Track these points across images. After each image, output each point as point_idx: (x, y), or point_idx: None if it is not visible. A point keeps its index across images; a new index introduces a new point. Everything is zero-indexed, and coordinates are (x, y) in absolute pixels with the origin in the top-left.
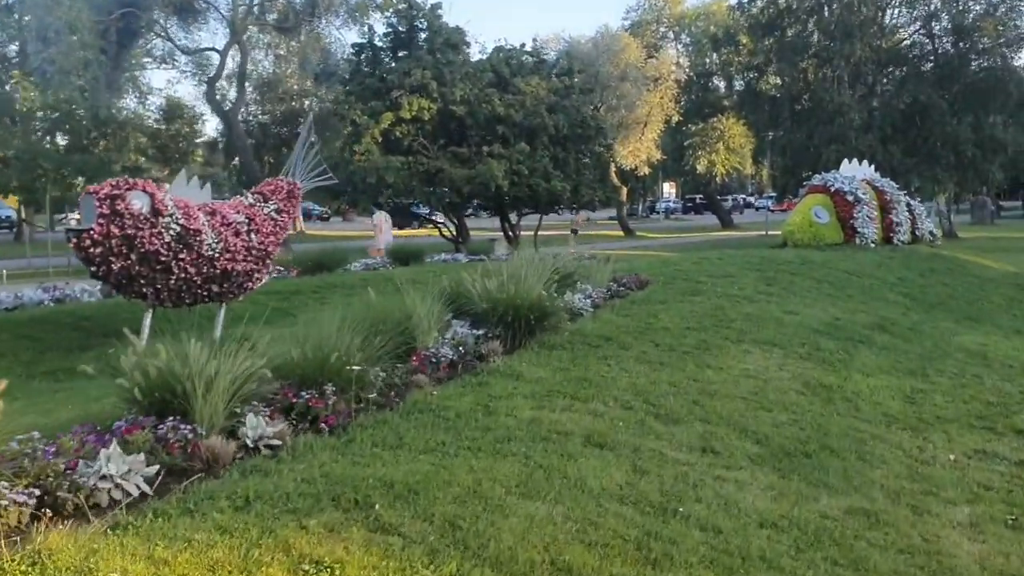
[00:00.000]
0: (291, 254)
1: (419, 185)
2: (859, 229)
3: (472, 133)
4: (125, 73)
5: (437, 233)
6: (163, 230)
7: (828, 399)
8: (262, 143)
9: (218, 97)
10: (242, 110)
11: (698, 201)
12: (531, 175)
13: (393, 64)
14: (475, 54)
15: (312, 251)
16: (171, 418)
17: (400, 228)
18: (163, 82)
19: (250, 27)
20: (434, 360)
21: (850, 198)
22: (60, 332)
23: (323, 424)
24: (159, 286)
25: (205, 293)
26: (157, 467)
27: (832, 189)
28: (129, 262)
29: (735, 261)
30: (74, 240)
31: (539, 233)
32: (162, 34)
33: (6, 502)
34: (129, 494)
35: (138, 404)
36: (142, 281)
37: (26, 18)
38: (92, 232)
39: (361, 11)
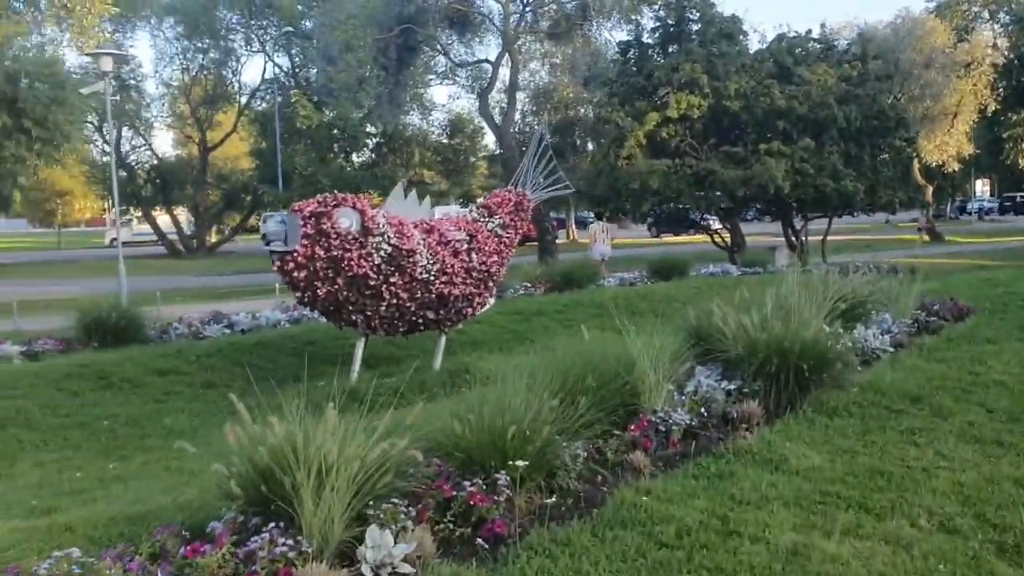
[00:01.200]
0: (541, 268)
1: (687, 189)
2: None
3: (748, 130)
4: (410, 90)
5: (710, 240)
6: (373, 251)
7: None
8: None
9: (497, 109)
10: (517, 121)
11: (1019, 200)
12: (817, 174)
13: (661, 60)
14: (754, 44)
15: (566, 263)
16: (273, 524)
17: (674, 235)
18: (445, 97)
19: (522, 36)
20: (662, 428)
21: None
22: (281, 359)
23: (485, 534)
24: (369, 313)
25: (420, 320)
26: None
27: None
28: (336, 287)
29: None
30: (277, 263)
31: (828, 239)
32: (439, 49)
33: None
34: None
35: (238, 501)
36: (350, 308)
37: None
38: (296, 254)
39: (631, 9)
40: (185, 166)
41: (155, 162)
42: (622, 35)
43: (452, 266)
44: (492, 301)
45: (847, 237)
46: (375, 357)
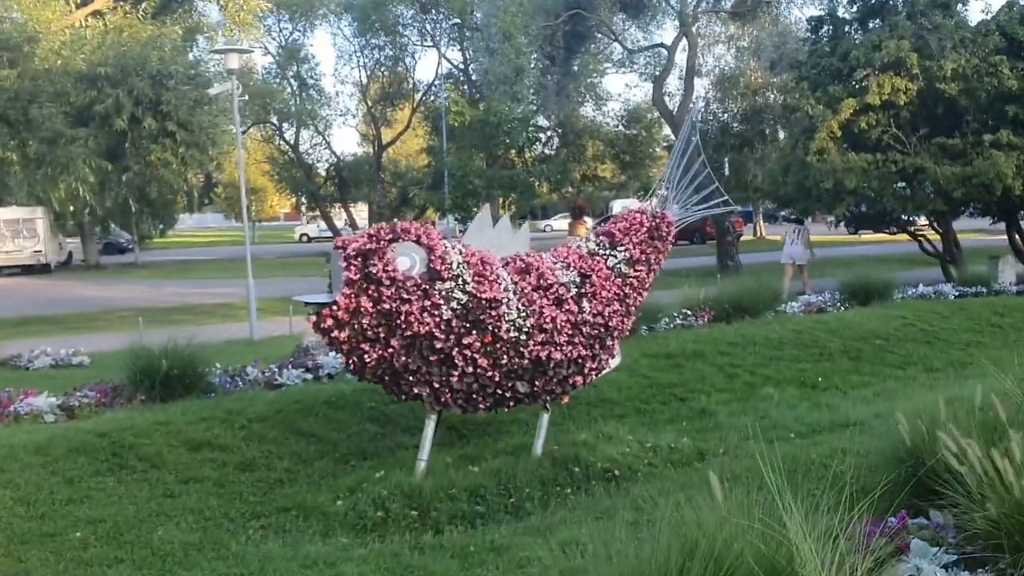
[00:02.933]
0: (702, 291)
1: (890, 189)
2: None
3: (968, 118)
4: (582, 79)
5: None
6: (441, 302)
7: None
8: (721, 143)
9: (678, 97)
10: (700, 109)
11: None
12: None
13: (859, 38)
14: (975, 15)
15: (739, 286)
16: None
17: (875, 231)
18: (621, 86)
19: (701, 17)
20: None
21: None
22: (352, 424)
23: None
24: (436, 385)
25: (507, 394)
26: None
27: None
28: (390, 351)
29: None
30: (312, 318)
31: None
32: (611, 35)
33: None
34: None
35: None
36: (410, 378)
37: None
38: (335, 307)
39: None
40: (362, 164)
41: (333, 160)
42: (814, 11)
43: (553, 320)
44: (616, 361)
45: None
46: (467, 423)
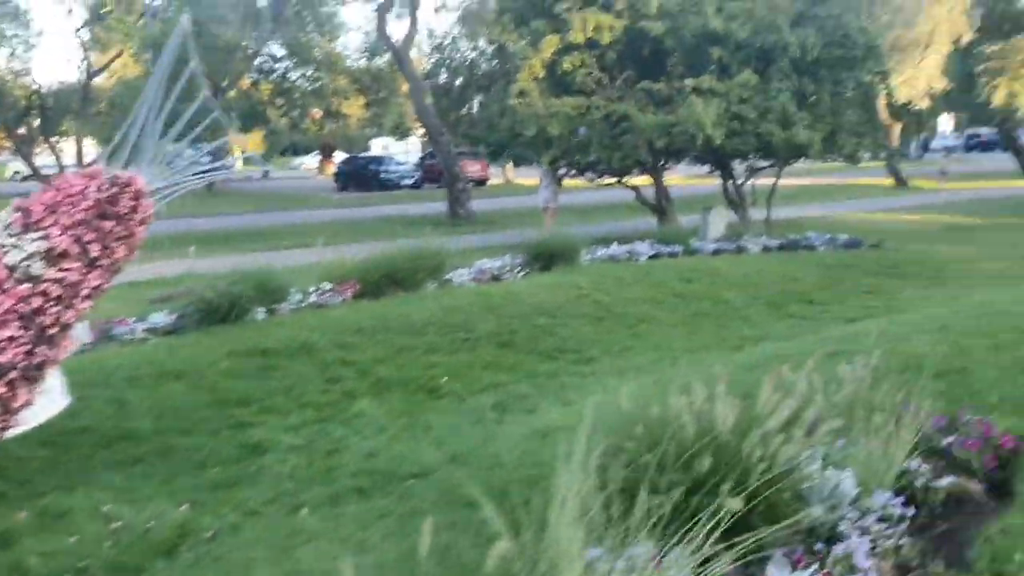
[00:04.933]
0: (349, 257)
1: (596, 137)
2: None
3: (674, 60)
4: (316, 5)
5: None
6: None
7: None
8: (468, 82)
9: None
10: (447, 46)
11: (985, 138)
12: (761, 119)
13: None
14: None
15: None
16: None
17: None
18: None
19: None
20: None
21: None
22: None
23: None
24: None
25: None
26: None
27: None
28: None
29: None
30: None
31: (778, 185)
32: None
33: None
34: None
35: None
36: None
37: None
38: None
39: None
40: (72, 94)
41: (35, 88)
42: None
43: None
44: (53, 409)
45: (801, 181)
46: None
